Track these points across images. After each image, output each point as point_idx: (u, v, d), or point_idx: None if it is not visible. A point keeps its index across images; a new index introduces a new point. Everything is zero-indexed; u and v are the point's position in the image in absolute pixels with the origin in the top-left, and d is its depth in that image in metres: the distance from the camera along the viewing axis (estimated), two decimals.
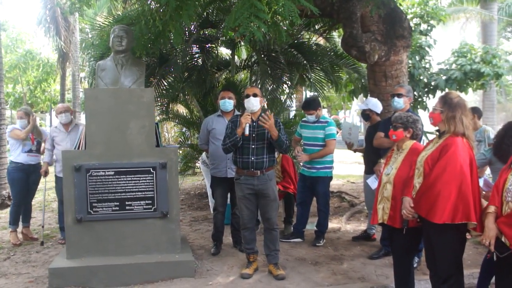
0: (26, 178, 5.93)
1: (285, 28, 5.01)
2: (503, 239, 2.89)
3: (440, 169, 3.19)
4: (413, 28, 8.07)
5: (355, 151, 6.33)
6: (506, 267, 2.97)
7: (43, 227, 6.10)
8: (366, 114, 5.67)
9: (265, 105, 8.75)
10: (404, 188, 3.60)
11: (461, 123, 3.26)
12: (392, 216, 3.70)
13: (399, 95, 5.00)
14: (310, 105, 5.73)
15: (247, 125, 4.39)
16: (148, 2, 5.81)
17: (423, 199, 3.29)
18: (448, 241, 3.26)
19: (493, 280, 3.66)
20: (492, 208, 3.02)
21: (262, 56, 8.24)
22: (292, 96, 9.91)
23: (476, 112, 6.62)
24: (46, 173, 5.96)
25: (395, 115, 3.93)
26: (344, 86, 10.12)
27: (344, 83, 9.99)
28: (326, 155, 5.64)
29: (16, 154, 5.87)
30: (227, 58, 9.64)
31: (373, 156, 5.39)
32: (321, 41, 9.79)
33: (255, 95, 4.52)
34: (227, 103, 5.32)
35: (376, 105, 5.62)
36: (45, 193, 6.51)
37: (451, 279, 3.29)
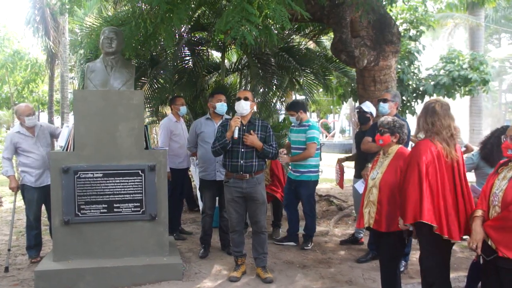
0: None
1: (276, 31, 5.03)
2: (489, 243, 2.94)
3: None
4: (402, 34, 8.16)
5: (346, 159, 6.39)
6: (492, 270, 3.01)
7: (9, 250, 5.15)
8: (366, 117, 5.63)
9: (256, 109, 8.77)
10: (390, 193, 3.64)
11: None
12: (378, 220, 3.73)
13: (384, 100, 5.06)
14: (291, 106, 5.84)
15: (237, 128, 4.40)
16: (138, 5, 5.79)
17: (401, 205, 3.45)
18: (426, 243, 3.39)
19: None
20: (479, 212, 3.07)
21: (253, 59, 8.26)
22: (282, 100, 9.94)
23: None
24: (19, 188, 5.20)
25: (381, 120, 3.95)
26: (334, 90, 10.19)
27: (334, 87, 10.06)
28: (306, 158, 5.64)
29: None
30: (217, 61, 9.64)
31: (362, 161, 5.42)
32: (311, 45, 9.84)
33: (246, 99, 4.53)
34: (224, 106, 5.35)
35: (374, 110, 5.65)
36: (14, 212, 5.41)
37: (434, 285, 3.36)
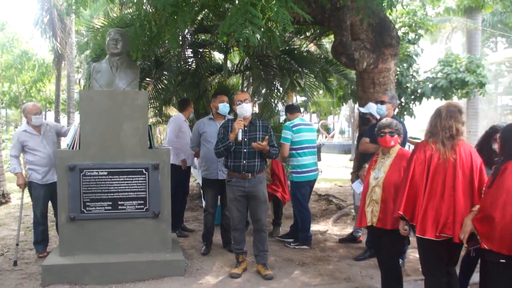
0: None
1: (278, 34, 5.13)
2: (478, 237, 3.05)
3: None
4: (401, 37, 8.27)
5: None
6: (489, 265, 3.08)
7: (17, 245, 5.32)
8: (366, 118, 5.70)
9: (256, 109, 8.89)
10: (394, 192, 3.72)
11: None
12: (382, 218, 3.79)
13: (382, 102, 5.16)
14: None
15: (240, 130, 4.51)
16: (144, 7, 5.90)
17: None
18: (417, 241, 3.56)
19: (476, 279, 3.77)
20: (476, 207, 3.18)
21: (255, 61, 8.37)
22: (283, 101, 10.07)
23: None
24: (26, 185, 5.31)
25: (387, 122, 3.98)
26: (334, 92, 10.30)
27: (334, 88, 10.17)
28: (282, 159, 5.95)
29: None
30: (220, 62, 9.76)
31: (361, 162, 5.52)
32: (312, 47, 9.95)
33: (247, 101, 4.65)
34: (227, 106, 5.49)
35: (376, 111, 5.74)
36: (22, 208, 5.47)
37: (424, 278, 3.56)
